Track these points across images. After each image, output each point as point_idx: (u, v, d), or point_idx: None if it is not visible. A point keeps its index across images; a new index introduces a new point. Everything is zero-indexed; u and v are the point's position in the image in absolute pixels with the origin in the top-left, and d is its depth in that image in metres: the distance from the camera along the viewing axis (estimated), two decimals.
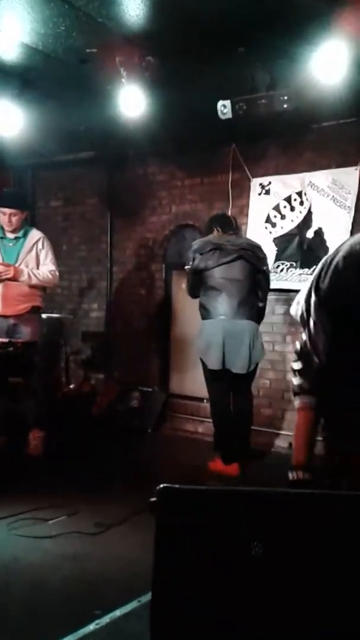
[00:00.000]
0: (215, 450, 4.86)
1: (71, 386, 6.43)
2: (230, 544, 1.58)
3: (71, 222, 7.13)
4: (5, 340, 4.65)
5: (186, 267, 4.94)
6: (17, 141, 5.24)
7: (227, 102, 4.37)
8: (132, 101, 4.35)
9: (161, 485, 1.63)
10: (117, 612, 2.11)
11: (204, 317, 4.79)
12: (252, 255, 4.80)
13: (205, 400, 6.02)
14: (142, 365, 6.43)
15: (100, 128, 5.28)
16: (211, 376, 4.81)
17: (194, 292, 4.89)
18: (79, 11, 3.51)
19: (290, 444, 5.36)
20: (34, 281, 4.96)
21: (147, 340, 6.45)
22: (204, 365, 4.80)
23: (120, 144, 5.80)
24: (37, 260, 5.06)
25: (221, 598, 1.52)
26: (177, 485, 1.65)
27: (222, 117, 4.43)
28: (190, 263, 4.80)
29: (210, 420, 5.95)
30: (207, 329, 4.73)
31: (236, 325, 4.66)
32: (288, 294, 5.50)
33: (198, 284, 4.80)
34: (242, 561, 1.55)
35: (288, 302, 5.49)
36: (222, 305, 4.68)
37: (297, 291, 5.29)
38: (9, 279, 4.86)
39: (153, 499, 1.63)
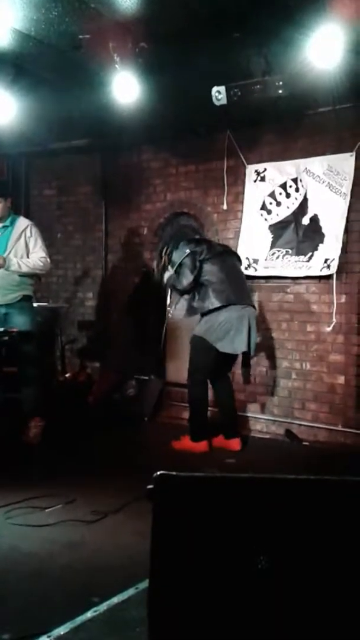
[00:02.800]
0: (198, 434, 4.95)
1: (67, 375, 6.42)
2: (227, 531, 1.58)
3: (65, 210, 7.09)
4: (0, 329, 4.64)
5: (184, 258, 4.91)
6: (11, 129, 5.20)
7: (222, 88, 4.34)
8: (125, 87, 4.31)
9: (158, 473, 1.62)
10: (115, 599, 2.12)
11: (210, 306, 4.81)
12: (233, 252, 5.27)
13: None
14: (138, 354, 6.42)
15: (94, 115, 5.24)
16: (214, 361, 4.92)
17: (192, 284, 4.87)
18: None
19: (287, 431, 5.38)
20: (24, 269, 4.94)
21: (142, 329, 6.44)
22: (209, 350, 4.85)
23: (114, 131, 5.76)
24: (27, 248, 5.02)
25: (219, 585, 1.53)
26: (173, 473, 1.65)
27: (216, 103, 4.40)
28: (187, 252, 4.88)
29: (209, 408, 5.98)
30: (224, 316, 4.81)
31: (246, 310, 4.90)
32: (284, 281, 5.50)
33: (198, 276, 4.84)
34: (240, 547, 1.55)
35: (283, 290, 5.50)
36: (232, 292, 4.85)
37: (293, 278, 5.40)
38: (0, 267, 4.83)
39: (150, 486, 1.63)
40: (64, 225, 7.10)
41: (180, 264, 4.90)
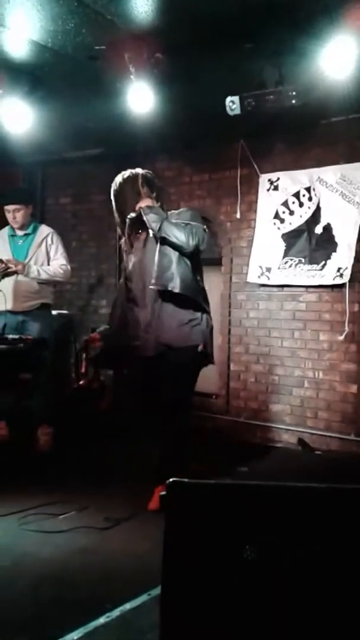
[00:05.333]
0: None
1: (81, 382, 6.44)
2: (239, 538, 1.59)
3: (80, 218, 7.15)
4: (16, 336, 4.68)
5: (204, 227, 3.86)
6: (27, 138, 5.25)
7: (236, 98, 4.36)
8: (140, 97, 4.35)
9: (171, 480, 1.64)
10: (127, 606, 2.14)
11: (207, 307, 4.00)
12: None
13: (214, 397, 6.05)
14: None
15: (109, 125, 5.29)
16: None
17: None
18: (88, 8, 3.52)
19: (300, 440, 5.37)
20: (44, 277, 4.97)
21: None
22: (205, 363, 4.02)
23: (129, 141, 5.80)
24: (48, 256, 5.06)
25: (231, 592, 1.54)
26: (186, 480, 1.66)
27: (230, 113, 4.42)
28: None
29: (219, 415, 5.98)
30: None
31: None
32: (296, 290, 5.50)
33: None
34: (252, 554, 1.56)
35: (296, 298, 5.50)
36: None
37: (305, 287, 5.40)
38: (16, 273, 4.86)
39: (163, 493, 1.65)
40: (78, 234, 7.15)
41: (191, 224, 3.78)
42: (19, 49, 4.06)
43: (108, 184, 3.98)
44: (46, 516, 3.57)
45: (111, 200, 3.96)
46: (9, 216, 5.04)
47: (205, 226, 3.87)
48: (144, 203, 3.83)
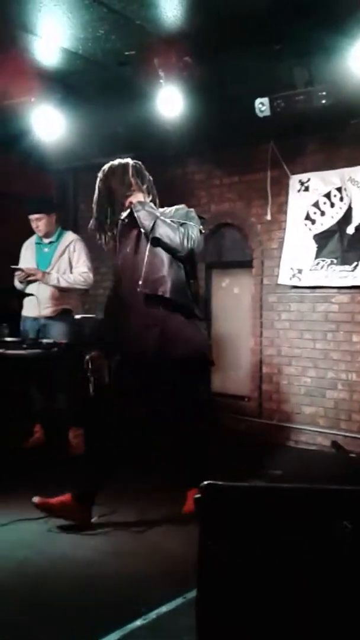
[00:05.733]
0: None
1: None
2: (273, 540, 1.58)
3: None
4: (50, 341, 4.74)
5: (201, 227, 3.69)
6: (58, 145, 5.31)
7: (265, 100, 4.36)
8: (170, 102, 4.37)
9: (205, 482, 1.64)
10: (163, 608, 2.15)
11: (199, 314, 3.82)
12: None
13: (246, 399, 6.03)
14: None
15: (138, 129, 5.31)
16: None
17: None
18: (117, 14, 3.55)
19: (333, 442, 5.32)
20: (63, 284, 5.04)
21: None
22: (206, 365, 4.00)
23: (159, 145, 5.82)
24: (70, 264, 5.13)
25: (267, 594, 1.53)
26: (220, 482, 1.66)
27: (260, 114, 4.42)
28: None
29: (251, 418, 5.96)
30: None
31: None
32: (329, 291, 5.46)
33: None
34: (286, 557, 1.56)
35: (328, 300, 5.46)
36: None
37: (338, 288, 5.35)
38: (37, 281, 4.99)
39: (197, 496, 1.65)
40: None
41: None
42: (50, 56, 4.12)
43: None
44: None
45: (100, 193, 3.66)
46: (33, 225, 5.15)
47: (201, 226, 3.64)
48: (135, 198, 3.54)
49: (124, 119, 5.09)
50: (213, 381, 6.40)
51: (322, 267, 5.46)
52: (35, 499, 3.43)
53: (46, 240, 5.19)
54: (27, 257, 5.21)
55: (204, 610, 1.52)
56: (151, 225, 3.44)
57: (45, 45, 3.97)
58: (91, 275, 5.18)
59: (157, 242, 3.46)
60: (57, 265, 5.09)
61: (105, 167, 3.68)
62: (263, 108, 4.39)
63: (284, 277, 5.70)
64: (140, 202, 3.52)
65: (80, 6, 3.48)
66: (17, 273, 5.03)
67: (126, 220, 3.57)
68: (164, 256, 3.51)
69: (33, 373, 4.72)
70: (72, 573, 2.94)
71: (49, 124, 4.80)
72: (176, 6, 3.51)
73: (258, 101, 4.38)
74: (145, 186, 3.64)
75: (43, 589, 2.77)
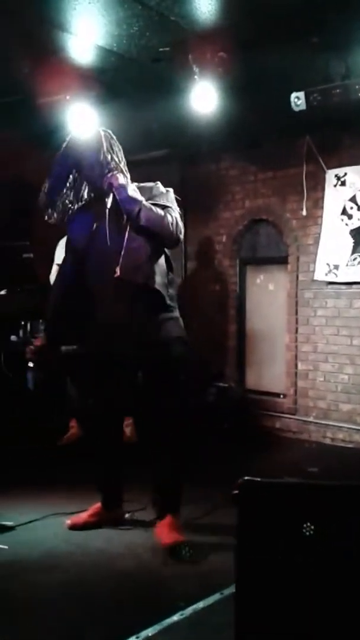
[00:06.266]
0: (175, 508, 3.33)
1: None
2: (312, 537, 1.57)
3: None
4: None
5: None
6: None
7: (301, 94, 4.32)
8: (204, 97, 4.36)
9: (243, 478, 1.64)
10: (201, 604, 2.15)
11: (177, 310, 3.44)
12: None
13: (282, 396, 5.99)
14: (218, 361, 6.44)
15: (173, 125, 5.32)
16: None
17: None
18: (151, 11, 3.56)
19: None
20: None
21: (222, 336, 6.46)
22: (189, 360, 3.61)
23: (193, 141, 5.82)
24: None
25: (305, 591, 1.52)
26: (258, 479, 1.65)
27: (295, 109, 4.38)
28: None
29: (287, 415, 5.92)
30: None
31: None
32: None
33: None
34: (324, 553, 1.54)
35: None
36: None
37: None
38: None
39: (235, 492, 1.65)
40: None
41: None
42: (85, 54, 4.15)
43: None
44: None
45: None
46: None
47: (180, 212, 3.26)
48: (117, 180, 3.11)
49: (158, 116, 5.09)
50: (248, 378, 6.38)
51: (359, 263, 5.39)
52: (68, 522, 3.38)
53: None
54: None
55: (242, 606, 1.52)
56: (136, 211, 3.05)
57: (80, 43, 4.00)
58: None
59: (143, 230, 3.08)
60: None
61: (71, 136, 3.30)
62: (299, 102, 4.36)
63: (320, 273, 5.64)
64: (122, 185, 3.11)
65: (114, 4, 3.49)
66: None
67: (108, 205, 3.11)
68: (146, 242, 3.11)
69: (68, 367, 4.76)
70: (110, 567, 2.95)
71: (83, 122, 4.82)
72: (211, 1, 3.49)
73: (294, 95, 4.34)
74: (122, 164, 3.23)
75: (80, 583, 2.80)
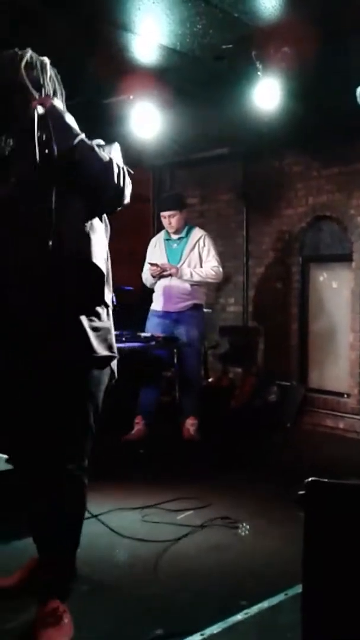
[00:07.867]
0: None
1: (210, 380, 6.51)
2: None
3: (207, 218, 7.20)
4: (148, 334, 4.85)
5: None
6: (155, 142, 5.38)
7: None
8: (267, 94, 4.32)
9: (310, 479, 1.62)
10: (265, 604, 2.14)
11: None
12: None
13: (346, 396, 5.89)
14: (280, 359, 6.38)
15: (235, 123, 5.30)
16: None
17: None
18: (215, 8, 3.54)
19: None
20: (196, 278, 5.24)
21: (284, 334, 6.40)
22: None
23: (255, 138, 5.78)
24: (200, 258, 5.30)
25: None
26: (325, 480, 1.63)
27: None
28: None
29: (351, 415, 5.83)
30: None
31: None
32: None
33: None
34: None
35: None
36: None
37: None
38: (170, 276, 5.22)
39: (301, 492, 1.63)
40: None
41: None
42: (149, 54, 4.17)
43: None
44: (177, 511, 3.62)
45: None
46: (165, 222, 5.37)
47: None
48: (53, 103, 2.18)
49: (220, 113, 5.08)
50: (310, 377, 6.30)
51: None
52: None
53: (175, 237, 5.40)
54: (157, 254, 5.44)
55: (310, 607, 1.50)
56: (73, 143, 2.13)
57: (144, 43, 4.02)
58: (221, 269, 5.36)
59: (78, 172, 2.16)
60: (188, 260, 5.29)
61: None
62: None
63: None
64: (59, 110, 2.20)
65: (178, 3, 3.49)
66: (151, 268, 5.26)
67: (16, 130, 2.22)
68: (82, 207, 2.21)
69: (132, 365, 4.83)
70: (174, 565, 2.97)
71: (146, 121, 4.87)
72: None
73: (359, 89, 4.26)
74: (60, 93, 2.34)
75: (145, 579, 2.82)
